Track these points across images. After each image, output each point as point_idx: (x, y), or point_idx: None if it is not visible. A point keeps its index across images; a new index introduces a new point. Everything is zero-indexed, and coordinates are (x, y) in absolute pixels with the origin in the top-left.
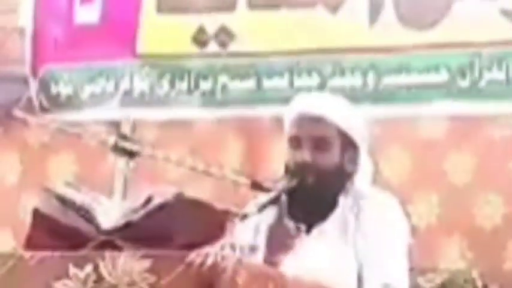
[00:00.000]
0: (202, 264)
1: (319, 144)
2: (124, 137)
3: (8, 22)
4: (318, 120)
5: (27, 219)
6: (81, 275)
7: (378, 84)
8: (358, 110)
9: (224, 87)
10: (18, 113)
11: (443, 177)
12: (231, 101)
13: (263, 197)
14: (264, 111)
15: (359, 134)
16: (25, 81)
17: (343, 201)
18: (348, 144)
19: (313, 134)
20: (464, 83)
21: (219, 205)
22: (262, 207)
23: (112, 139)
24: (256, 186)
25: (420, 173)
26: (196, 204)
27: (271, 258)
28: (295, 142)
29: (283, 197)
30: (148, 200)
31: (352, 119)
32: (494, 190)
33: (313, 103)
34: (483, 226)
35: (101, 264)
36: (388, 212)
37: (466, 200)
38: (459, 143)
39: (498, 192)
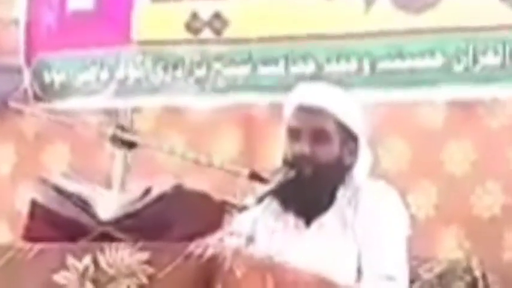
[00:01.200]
0: (201, 255)
1: (319, 136)
2: (122, 128)
3: (4, 13)
4: (317, 112)
5: (24, 210)
6: (80, 266)
7: (374, 69)
8: (354, 96)
9: (219, 73)
10: (13, 103)
11: (441, 167)
12: (226, 88)
13: (262, 188)
14: (260, 98)
15: (359, 126)
16: (21, 72)
17: (342, 193)
18: (348, 137)
19: (312, 125)
20: (459, 68)
21: (218, 196)
22: (260, 199)
23: (110, 130)
24: (255, 176)
25: (418, 163)
26: (195, 196)
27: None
28: (294, 133)
29: (282, 189)
30: (147, 191)
31: (352, 111)
32: (493, 180)
33: (313, 94)
34: (482, 216)
35: (100, 256)
36: (387, 204)
37: (464, 190)
38: (457, 133)
39: (497, 182)
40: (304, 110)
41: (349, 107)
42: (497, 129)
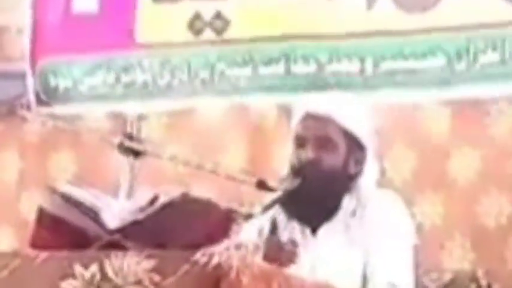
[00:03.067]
0: (207, 264)
1: (324, 144)
2: (129, 137)
3: (11, 20)
4: (323, 120)
5: (29, 217)
6: (87, 274)
7: (376, 69)
8: (357, 96)
9: (222, 75)
10: (19, 109)
11: (446, 177)
12: (230, 90)
13: (268, 197)
14: (263, 100)
15: (367, 135)
16: (26, 77)
17: (347, 201)
18: (354, 146)
19: (318, 133)
20: (461, 67)
21: (225, 205)
22: (267, 207)
23: (117, 138)
24: (261, 185)
25: (423, 173)
26: (202, 204)
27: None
28: (300, 141)
29: (288, 198)
30: (154, 200)
31: (361, 120)
32: (499, 189)
33: (320, 103)
34: (487, 225)
35: (107, 264)
36: (392, 213)
37: (470, 200)
38: (463, 142)
39: (503, 191)
40: (311, 118)
41: (357, 116)
42: (503, 138)
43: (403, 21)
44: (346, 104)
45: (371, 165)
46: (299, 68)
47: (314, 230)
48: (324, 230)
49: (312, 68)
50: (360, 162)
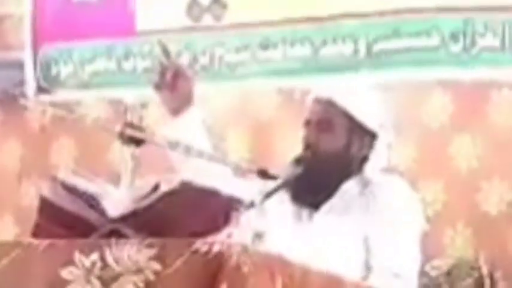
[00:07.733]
0: (208, 252)
1: (324, 126)
2: (131, 125)
3: (12, 10)
4: (325, 103)
5: (30, 206)
6: (87, 262)
7: (370, 50)
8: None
9: (221, 60)
10: (20, 97)
11: (448, 164)
12: (230, 75)
13: (270, 184)
14: (262, 84)
15: (376, 121)
16: (27, 65)
17: (350, 185)
18: (358, 129)
19: (319, 116)
20: (457, 48)
21: (226, 193)
22: (268, 195)
23: (118, 127)
24: (263, 173)
25: (425, 160)
26: (203, 192)
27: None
28: (307, 125)
29: (289, 184)
30: (155, 188)
31: (369, 106)
32: (500, 176)
33: (325, 87)
34: (489, 212)
35: (107, 252)
36: (400, 198)
37: (471, 187)
38: (464, 129)
39: (504, 178)
40: (316, 102)
41: (365, 101)
42: (504, 125)
43: (397, 1)
44: (354, 89)
45: (380, 152)
46: (296, 52)
47: (314, 214)
48: (323, 212)
49: (307, 51)
50: (366, 147)
